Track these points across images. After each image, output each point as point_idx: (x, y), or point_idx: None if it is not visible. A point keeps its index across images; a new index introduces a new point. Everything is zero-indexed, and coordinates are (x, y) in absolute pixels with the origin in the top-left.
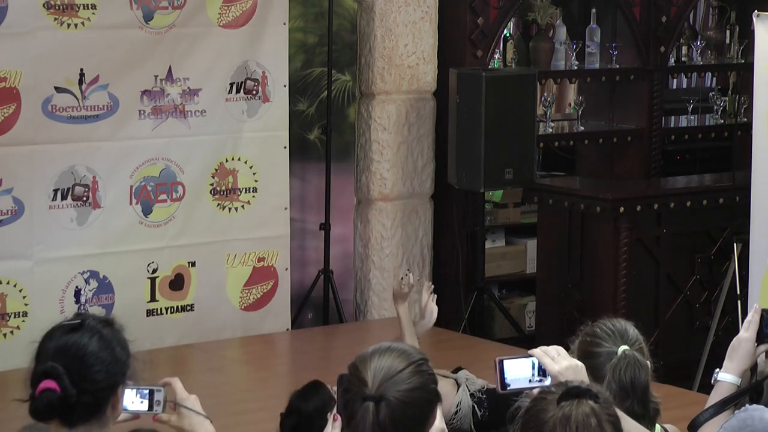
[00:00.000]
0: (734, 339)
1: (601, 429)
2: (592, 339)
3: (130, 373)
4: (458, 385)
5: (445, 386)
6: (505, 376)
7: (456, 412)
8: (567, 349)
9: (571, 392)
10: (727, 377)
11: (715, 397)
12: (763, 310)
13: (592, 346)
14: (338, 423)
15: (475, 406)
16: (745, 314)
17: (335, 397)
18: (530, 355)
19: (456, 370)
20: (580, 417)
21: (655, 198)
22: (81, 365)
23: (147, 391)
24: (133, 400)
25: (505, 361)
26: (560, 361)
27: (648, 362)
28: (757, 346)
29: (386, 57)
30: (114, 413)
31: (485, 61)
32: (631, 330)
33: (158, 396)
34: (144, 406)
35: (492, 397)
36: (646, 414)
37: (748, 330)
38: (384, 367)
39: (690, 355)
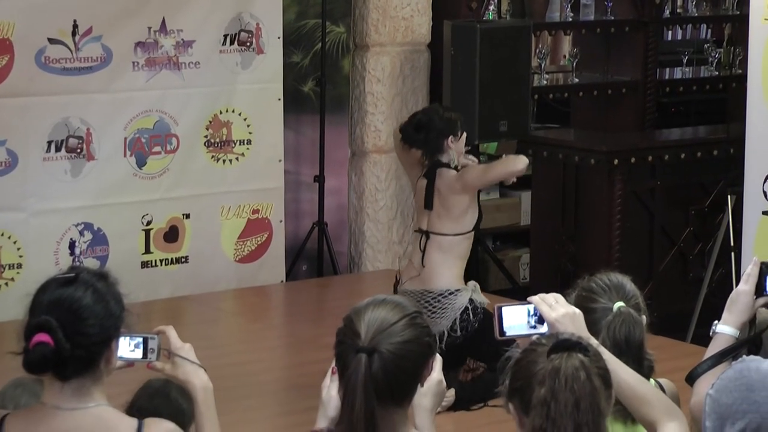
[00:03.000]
0: (733, 291)
1: (590, 382)
2: (588, 294)
3: (124, 327)
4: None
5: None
6: (503, 323)
7: (449, 292)
8: None
9: (561, 345)
10: (725, 329)
11: (714, 349)
12: (762, 263)
13: (587, 302)
14: (337, 377)
15: (457, 320)
16: (738, 266)
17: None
18: (529, 302)
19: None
20: (570, 370)
21: (650, 150)
22: (75, 319)
23: (141, 339)
24: (127, 348)
25: (503, 308)
26: (557, 309)
27: (644, 317)
28: (756, 299)
29: (380, 8)
30: (108, 367)
31: (480, 12)
32: (628, 285)
33: (152, 344)
34: (138, 354)
35: (483, 323)
36: (640, 371)
37: (747, 282)
38: (378, 319)
39: (683, 306)
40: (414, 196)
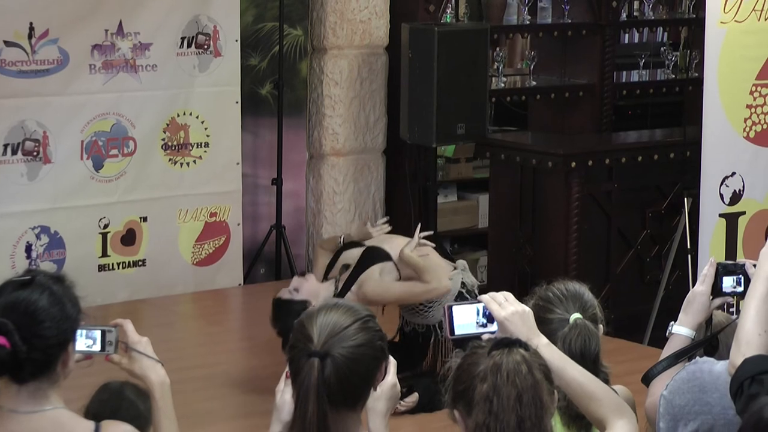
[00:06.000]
0: (689, 292)
1: (532, 375)
2: (545, 304)
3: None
4: (455, 269)
5: (442, 261)
6: (454, 322)
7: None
8: None
9: (501, 342)
10: (681, 330)
11: (669, 349)
12: (718, 264)
13: (544, 312)
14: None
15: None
16: (695, 268)
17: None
18: (479, 301)
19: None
20: (511, 365)
21: (607, 153)
22: (31, 321)
23: (99, 332)
24: (85, 341)
25: (453, 308)
26: (507, 307)
27: (601, 326)
28: (712, 299)
29: (338, 11)
30: (65, 370)
31: (437, 16)
32: (586, 294)
33: (110, 336)
34: (96, 346)
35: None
36: (597, 379)
37: (703, 283)
38: (330, 323)
39: (640, 308)
40: None
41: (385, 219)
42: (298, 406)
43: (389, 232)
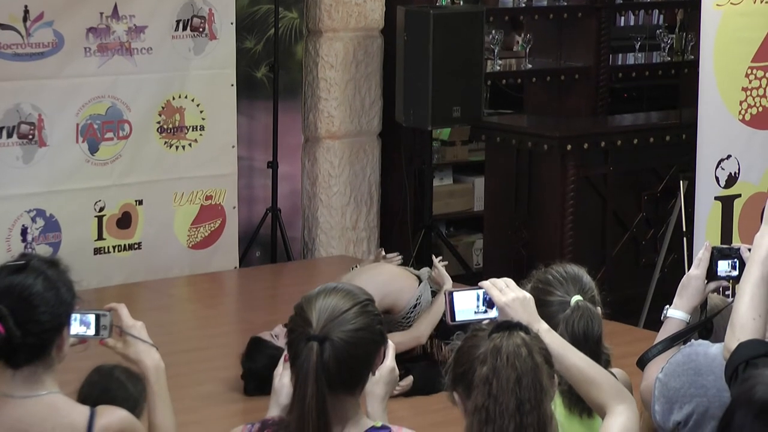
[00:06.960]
0: (684, 276)
1: (532, 359)
2: (544, 287)
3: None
4: (420, 281)
5: (406, 280)
6: (455, 308)
7: (415, 305)
8: None
9: (502, 325)
10: (676, 314)
11: (664, 333)
12: (713, 248)
13: (544, 294)
14: (289, 364)
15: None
16: (690, 251)
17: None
18: (480, 287)
19: (419, 269)
20: (511, 347)
21: (603, 136)
22: (26, 306)
23: (93, 316)
24: (79, 325)
25: (454, 294)
26: (508, 293)
27: (599, 309)
28: (707, 283)
29: None
30: (59, 354)
31: None
32: (585, 277)
33: (104, 321)
34: (90, 330)
35: None
36: (598, 364)
37: (698, 267)
38: (329, 307)
39: (636, 291)
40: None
41: (397, 254)
42: (296, 389)
43: (401, 264)
